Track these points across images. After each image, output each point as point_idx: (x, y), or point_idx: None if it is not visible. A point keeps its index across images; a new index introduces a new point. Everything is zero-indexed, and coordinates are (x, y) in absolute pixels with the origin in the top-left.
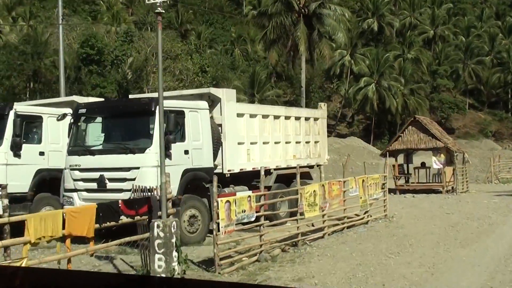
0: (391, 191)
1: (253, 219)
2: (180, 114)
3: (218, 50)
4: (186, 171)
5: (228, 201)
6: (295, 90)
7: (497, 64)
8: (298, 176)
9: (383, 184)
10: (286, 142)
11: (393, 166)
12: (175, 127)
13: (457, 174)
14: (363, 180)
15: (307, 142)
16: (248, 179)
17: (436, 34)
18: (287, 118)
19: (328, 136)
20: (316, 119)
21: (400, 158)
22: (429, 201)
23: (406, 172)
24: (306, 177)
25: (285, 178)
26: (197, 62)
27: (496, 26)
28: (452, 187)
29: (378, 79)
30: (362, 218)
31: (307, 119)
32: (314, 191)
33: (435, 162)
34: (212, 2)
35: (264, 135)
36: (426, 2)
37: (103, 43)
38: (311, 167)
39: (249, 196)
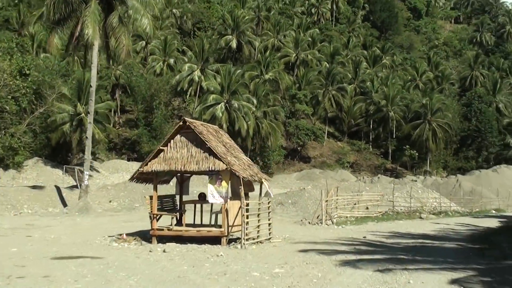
0: (145, 238)
1: None
2: None
3: (53, 54)
4: None
5: None
6: (138, 105)
7: (360, 93)
8: None
9: None
10: None
11: (150, 197)
12: None
13: (244, 215)
14: None
15: None
16: None
17: (298, 58)
18: None
19: None
20: None
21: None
22: (122, 267)
23: (177, 207)
24: None
25: None
26: (16, 63)
27: (362, 55)
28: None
29: (229, 98)
30: None
31: None
32: None
33: (212, 194)
34: None
35: None
36: (291, 26)
37: None
38: None
39: None
